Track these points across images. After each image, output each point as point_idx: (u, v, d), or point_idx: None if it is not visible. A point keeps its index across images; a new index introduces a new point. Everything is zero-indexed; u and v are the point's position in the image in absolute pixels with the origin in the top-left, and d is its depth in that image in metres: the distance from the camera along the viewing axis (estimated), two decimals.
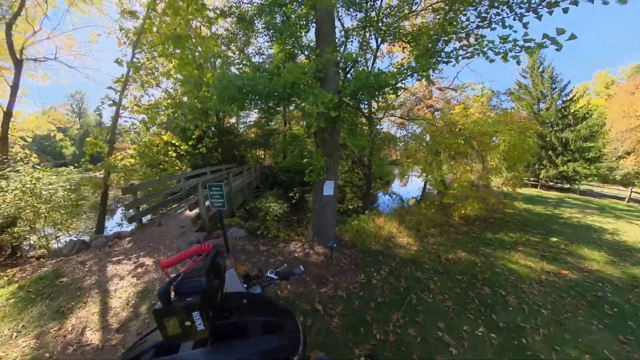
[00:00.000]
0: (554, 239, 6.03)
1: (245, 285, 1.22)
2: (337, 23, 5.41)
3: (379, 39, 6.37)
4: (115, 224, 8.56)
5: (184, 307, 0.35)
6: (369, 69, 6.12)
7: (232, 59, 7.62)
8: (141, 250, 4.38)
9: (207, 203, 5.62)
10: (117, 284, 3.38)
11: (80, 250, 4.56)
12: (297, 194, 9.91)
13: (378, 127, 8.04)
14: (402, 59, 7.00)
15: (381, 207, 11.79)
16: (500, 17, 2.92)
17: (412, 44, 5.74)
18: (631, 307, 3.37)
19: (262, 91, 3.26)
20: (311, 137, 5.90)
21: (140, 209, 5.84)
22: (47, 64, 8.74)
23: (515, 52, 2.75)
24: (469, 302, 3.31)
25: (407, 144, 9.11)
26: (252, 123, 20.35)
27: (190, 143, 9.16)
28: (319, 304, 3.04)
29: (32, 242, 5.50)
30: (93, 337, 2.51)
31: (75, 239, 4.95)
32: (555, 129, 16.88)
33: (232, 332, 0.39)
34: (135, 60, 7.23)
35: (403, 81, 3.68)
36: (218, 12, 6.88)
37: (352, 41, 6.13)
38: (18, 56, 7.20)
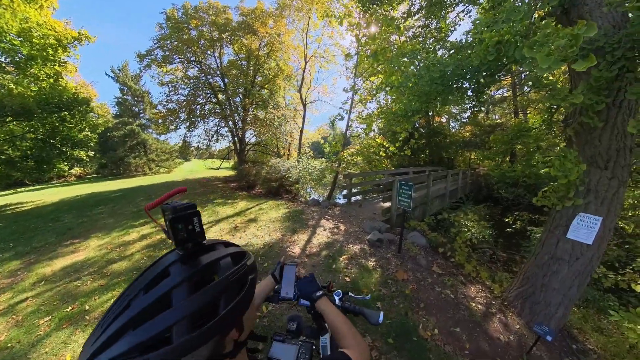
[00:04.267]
0: None
1: (296, 285, 1.01)
2: None
3: None
4: (338, 196, 12.14)
5: (190, 214, 0.48)
6: None
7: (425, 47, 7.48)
8: (341, 219, 5.93)
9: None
10: (321, 232, 4.98)
11: (314, 204, 7.27)
12: (517, 221, 6.82)
13: None
14: None
15: None
16: None
17: None
18: None
19: (468, 68, 2.60)
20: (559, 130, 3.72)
21: (351, 191, 7.79)
22: (315, 104, 15.04)
23: None
24: None
25: None
26: (466, 120, 17.45)
27: (397, 145, 10.32)
28: None
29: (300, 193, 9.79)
30: (297, 250, 4.13)
31: (315, 198, 8.26)
32: None
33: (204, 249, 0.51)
34: (355, 84, 9.64)
35: None
36: (405, 15, 7.05)
37: None
38: (303, 102, 12.92)
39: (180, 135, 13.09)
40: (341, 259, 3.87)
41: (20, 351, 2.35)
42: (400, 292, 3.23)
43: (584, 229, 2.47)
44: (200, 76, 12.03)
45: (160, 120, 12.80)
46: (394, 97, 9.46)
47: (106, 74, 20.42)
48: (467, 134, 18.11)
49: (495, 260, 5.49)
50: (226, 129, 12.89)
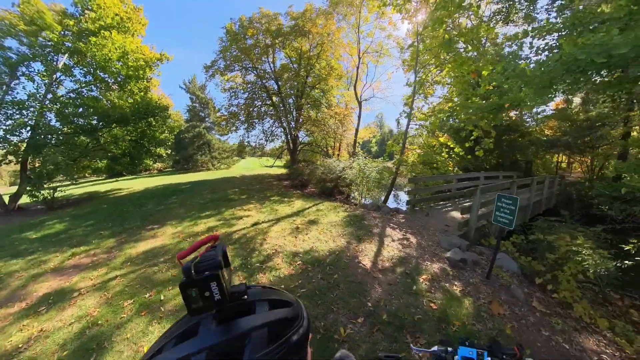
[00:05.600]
0: None
1: None
2: None
3: None
4: (392, 200, 11.21)
5: (204, 279, 0.40)
6: None
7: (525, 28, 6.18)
8: (409, 229, 5.27)
9: (479, 211, 5.24)
10: (390, 243, 4.47)
11: (374, 209, 6.73)
12: None
13: None
14: None
15: None
16: None
17: None
18: None
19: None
20: None
21: (416, 197, 6.96)
22: (370, 100, 14.29)
23: None
24: None
25: None
26: (550, 113, 13.87)
27: (467, 145, 9.01)
28: None
29: (354, 194, 9.39)
30: (367, 263, 3.70)
31: (372, 202, 7.61)
32: None
33: (242, 310, 0.43)
34: (417, 78, 8.64)
35: None
36: None
37: None
38: (358, 99, 12.34)
39: (239, 136, 14.05)
40: (421, 280, 3.37)
41: (108, 331, 2.52)
42: (498, 330, 2.64)
43: None
44: (257, 81, 12.65)
45: (223, 123, 14.11)
46: (458, 90, 8.27)
47: (180, 87, 24.18)
48: (549, 131, 15.01)
49: (603, 301, 4.06)
50: (280, 129, 13.29)
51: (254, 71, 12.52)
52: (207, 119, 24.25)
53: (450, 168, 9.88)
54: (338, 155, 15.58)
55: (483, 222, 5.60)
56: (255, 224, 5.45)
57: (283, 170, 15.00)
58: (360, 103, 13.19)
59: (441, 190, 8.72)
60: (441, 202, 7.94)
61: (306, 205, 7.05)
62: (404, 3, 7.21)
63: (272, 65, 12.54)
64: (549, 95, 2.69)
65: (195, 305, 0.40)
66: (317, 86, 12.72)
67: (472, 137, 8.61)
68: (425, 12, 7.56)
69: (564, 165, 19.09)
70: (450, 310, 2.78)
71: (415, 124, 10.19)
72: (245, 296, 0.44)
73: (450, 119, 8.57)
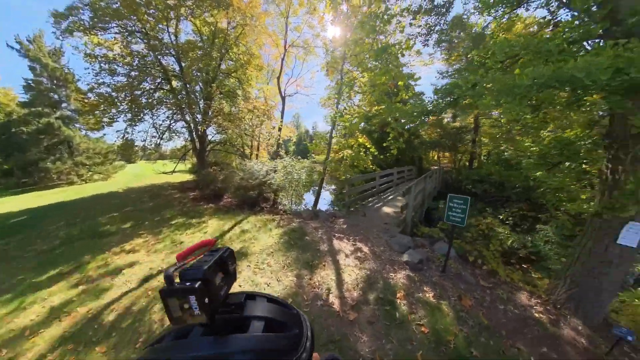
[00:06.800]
0: None
1: None
2: None
3: None
4: (322, 202, 11.07)
5: (182, 290, 0.37)
6: None
7: None
8: (355, 235, 4.92)
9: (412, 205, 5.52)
10: (344, 260, 3.90)
11: (311, 218, 6.07)
12: (516, 218, 7.41)
13: None
14: None
15: None
16: None
17: None
18: None
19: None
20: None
21: (351, 198, 6.85)
22: (294, 98, 13.68)
23: None
24: None
25: None
26: (427, 121, 18.71)
27: (384, 145, 9.82)
28: None
29: (281, 200, 8.40)
30: (334, 302, 2.93)
31: (309, 209, 6.82)
32: None
33: (235, 326, 0.41)
34: (343, 80, 8.85)
35: None
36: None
37: None
38: (282, 94, 11.45)
39: (118, 132, 9.88)
40: (398, 301, 2.97)
41: None
42: (478, 324, 2.69)
43: (632, 235, 2.70)
44: (148, 54, 9.09)
45: (93, 113, 9.47)
46: (373, 97, 9.01)
47: (8, 46, 14.07)
48: (425, 135, 19.54)
49: (508, 263, 5.45)
50: (182, 123, 10.65)
51: (145, 39, 8.77)
52: (65, 104, 15.87)
53: (371, 166, 10.66)
54: (257, 156, 14.20)
55: (412, 214, 6.04)
56: (147, 278, 3.40)
57: (189, 177, 12.30)
58: (283, 98, 12.16)
59: (365, 189, 9.18)
60: (370, 199, 8.28)
61: (225, 225, 5.51)
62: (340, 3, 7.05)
63: (173, 37, 9.43)
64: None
65: (176, 315, 0.39)
66: (233, 74, 10.92)
67: (389, 138, 9.52)
68: (354, 21, 7.63)
69: (435, 159, 25.35)
70: (438, 325, 2.54)
71: (339, 125, 10.38)
72: (243, 308, 0.44)
73: (362, 123, 9.29)
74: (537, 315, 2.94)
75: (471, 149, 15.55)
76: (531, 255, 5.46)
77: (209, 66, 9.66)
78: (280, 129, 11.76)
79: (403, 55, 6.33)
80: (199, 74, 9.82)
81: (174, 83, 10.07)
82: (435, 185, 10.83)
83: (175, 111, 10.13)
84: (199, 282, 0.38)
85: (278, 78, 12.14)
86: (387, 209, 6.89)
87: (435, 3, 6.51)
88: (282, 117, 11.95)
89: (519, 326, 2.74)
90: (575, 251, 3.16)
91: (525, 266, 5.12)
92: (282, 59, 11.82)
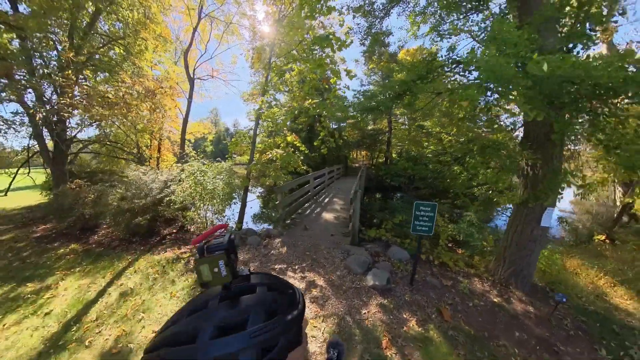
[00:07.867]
0: None
1: None
2: None
3: None
4: (249, 217, 9.49)
5: (213, 257, 0.46)
6: None
7: None
8: (301, 261, 3.97)
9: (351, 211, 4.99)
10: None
11: (237, 243, 4.74)
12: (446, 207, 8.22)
13: None
14: None
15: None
16: None
17: None
18: None
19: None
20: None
21: (286, 210, 5.81)
22: (208, 85, 11.31)
23: None
24: None
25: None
26: (345, 124, 17.95)
27: (315, 144, 9.23)
28: None
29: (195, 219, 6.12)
30: None
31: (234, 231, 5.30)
32: None
33: (245, 291, 0.47)
34: (269, 75, 7.74)
35: None
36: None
37: None
38: (190, 75, 9.05)
39: None
40: (386, 352, 2.26)
41: None
42: (466, 336, 2.57)
43: (548, 217, 3.35)
44: None
45: None
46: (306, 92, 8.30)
47: None
48: (353, 136, 20.96)
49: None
50: (21, 112, 6.83)
51: None
52: None
53: (302, 167, 9.89)
54: (158, 159, 11.09)
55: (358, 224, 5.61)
56: None
57: (38, 199, 8.27)
58: (192, 80, 9.37)
59: (301, 194, 8.35)
60: (306, 204, 7.49)
61: (92, 286, 3.36)
62: None
63: None
64: None
65: (206, 279, 0.45)
66: (120, 41, 7.75)
67: (320, 137, 8.99)
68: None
69: (357, 157, 27.70)
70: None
71: (264, 122, 9.07)
72: (249, 279, 0.50)
73: (289, 122, 8.47)
74: (496, 300, 3.22)
75: (385, 148, 17.38)
76: (456, 237, 6.05)
77: (73, 18, 6.41)
78: (185, 121, 9.18)
79: (340, 50, 5.85)
80: (56, 32, 6.44)
81: (7, 36, 6.14)
82: (362, 182, 11.25)
83: (3, 89, 6.28)
84: (225, 250, 0.46)
85: (187, 53, 9.40)
86: (327, 215, 6.29)
87: (375, 7, 6.30)
88: (188, 105, 9.28)
89: (491, 319, 2.87)
90: (508, 235, 3.69)
91: (450, 246, 5.60)
92: (195, 30, 9.24)
